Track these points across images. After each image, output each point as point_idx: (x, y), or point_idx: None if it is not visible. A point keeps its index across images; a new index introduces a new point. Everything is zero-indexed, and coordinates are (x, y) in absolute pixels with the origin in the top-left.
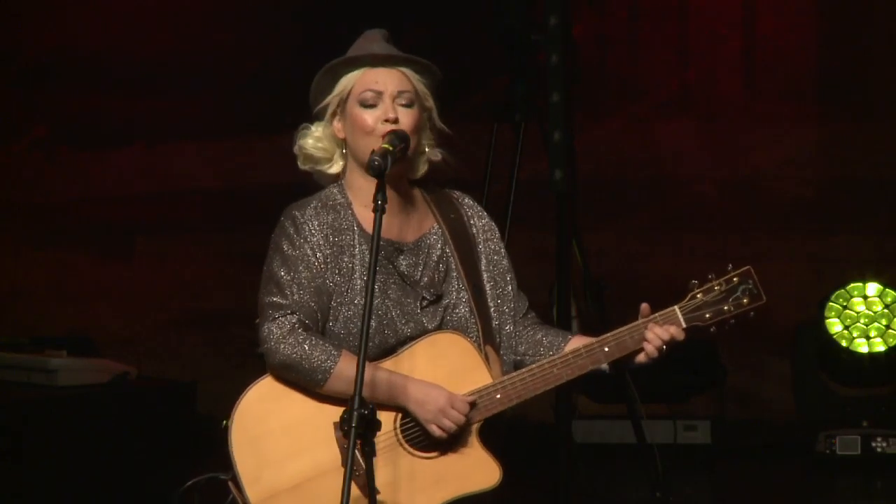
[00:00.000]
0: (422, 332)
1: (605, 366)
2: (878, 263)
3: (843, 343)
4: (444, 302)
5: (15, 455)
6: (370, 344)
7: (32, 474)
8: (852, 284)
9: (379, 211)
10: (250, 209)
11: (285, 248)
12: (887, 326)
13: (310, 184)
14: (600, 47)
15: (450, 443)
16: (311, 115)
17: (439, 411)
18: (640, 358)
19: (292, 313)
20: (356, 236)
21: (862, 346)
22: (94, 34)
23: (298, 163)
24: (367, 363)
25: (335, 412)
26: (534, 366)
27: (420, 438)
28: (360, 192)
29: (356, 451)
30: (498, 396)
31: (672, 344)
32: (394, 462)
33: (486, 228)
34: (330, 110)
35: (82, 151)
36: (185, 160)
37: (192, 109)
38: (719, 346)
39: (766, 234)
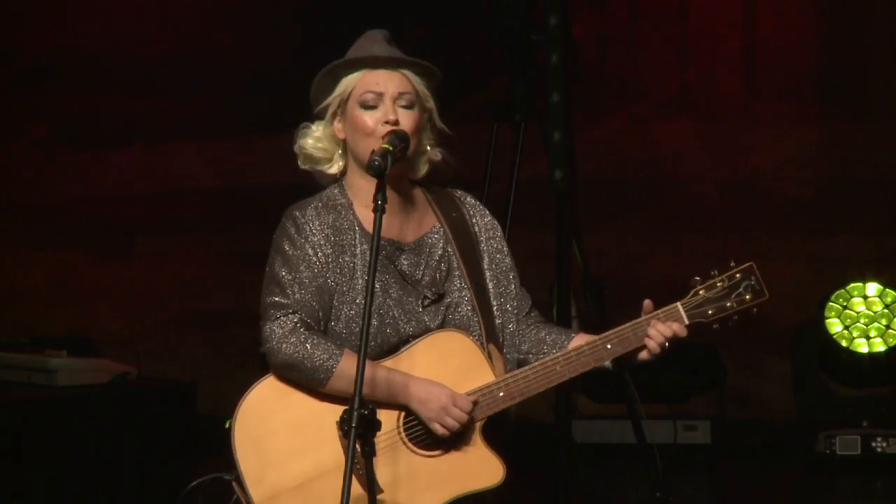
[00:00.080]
0: (424, 331)
1: (607, 363)
2: (878, 263)
3: (843, 343)
4: (446, 301)
5: (15, 455)
6: (372, 343)
7: (32, 474)
8: (852, 284)
9: (379, 211)
10: (250, 209)
11: (286, 248)
12: (887, 326)
13: (310, 184)
14: (600, 47)
15: (453, 441)
16: (312, 116)
17: (442, 409)
18: (643, 355)
19: (294, 313)
20: (357, 236)
21: (862, 346)
22: (94, 34)
23: (298, 162)
24: (368, 362)
25: (338, 411)
26: (536, 363)
27: (423, 437)
28: (361, 192)
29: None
30: (501, 394)
31: (675, 341)
32: (397, 461)
33: (488, 227)
34: (330, 111)
35: (82, 151)
36: (185, 160)
37: (192, 109)
38: (719, 346)
39: (766, 234)
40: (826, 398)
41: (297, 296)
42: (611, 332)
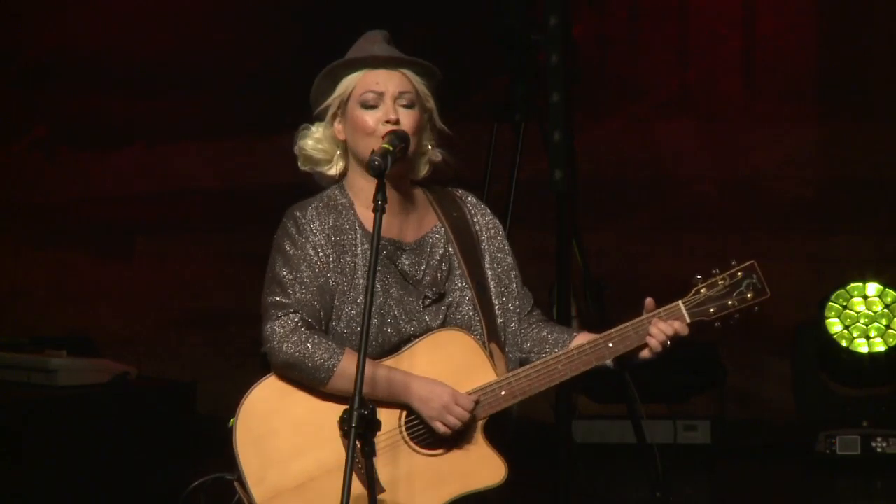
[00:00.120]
0: (425, 331)
1: (609, 362)
2: (878, 263)
3: (843, 343)
4: (448, 300)
5: (15, 455)
6: (373, 343)
7: (32, 474)
8: (852, 284)
9: (379, 211)
10: (250, 209)
11: (287, 248)
12: (887, 326)
13: (310, 184)
14: (600, 47)
15: (455, 440)
16: (312, 116)
17: (443, 408)
18: (644, 353)
19: (295, 312)
20: (358, 236)
21: (862, 346)
22: (94, 34)
23: (298, 163)
24: (369, 361)
25: (339, 411)
26: (538, 362)
27: (425, 436)
28: (362, 192)
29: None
30: (503, 393)
31: (676, 339)
32: (399, 459)
33: (489, 226)
34: (331, 112)
35: (82, 151)
36: (185, 160)
37: (192, 109)
38: (719, 346)
39: (766, 234)
40: (826, 398)
41: (299, 295)
42: (612, 330)
